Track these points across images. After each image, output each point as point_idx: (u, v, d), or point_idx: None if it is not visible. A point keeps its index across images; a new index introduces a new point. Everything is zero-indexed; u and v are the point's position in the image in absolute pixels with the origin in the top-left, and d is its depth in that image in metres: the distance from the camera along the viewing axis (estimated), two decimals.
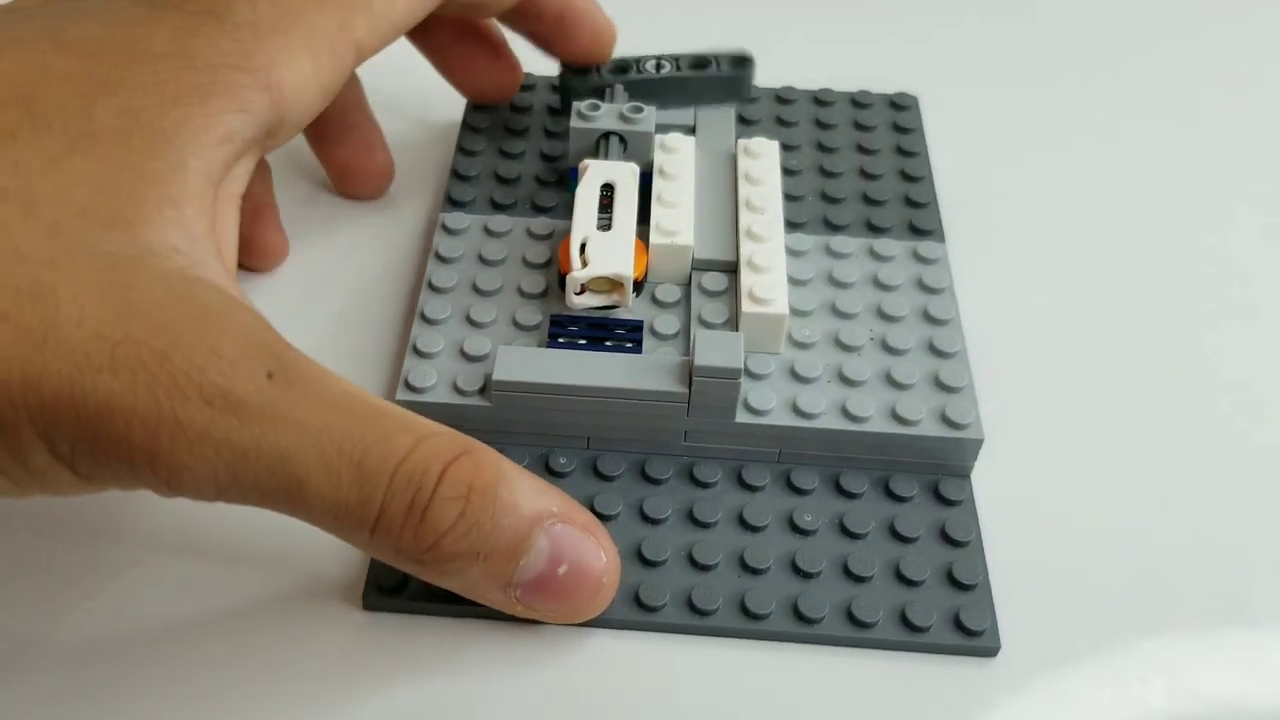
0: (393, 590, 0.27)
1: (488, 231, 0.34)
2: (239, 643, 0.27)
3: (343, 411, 0.23)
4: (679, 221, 0.32)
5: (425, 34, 0.37)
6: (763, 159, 0.35)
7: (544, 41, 0.36)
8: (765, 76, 0.40)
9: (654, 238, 0.32)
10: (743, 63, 0.37)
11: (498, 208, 0.35)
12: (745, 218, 0.33)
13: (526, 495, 0.24)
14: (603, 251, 0.30)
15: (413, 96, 0.41)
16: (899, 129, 0.39)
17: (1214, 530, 0.30)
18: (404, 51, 0.41)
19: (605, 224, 0.31)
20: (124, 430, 0.21)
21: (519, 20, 0.36)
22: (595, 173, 0.32)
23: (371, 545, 0.24)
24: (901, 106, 0.40)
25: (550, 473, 0.30)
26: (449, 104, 0.39)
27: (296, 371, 0.23)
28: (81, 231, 0.22)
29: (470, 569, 0.24)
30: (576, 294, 0.31)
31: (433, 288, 0.32)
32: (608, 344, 0.30)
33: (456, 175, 0.37)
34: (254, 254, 0.35)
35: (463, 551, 0.24)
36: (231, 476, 0.22)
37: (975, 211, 0.38)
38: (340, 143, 0.36)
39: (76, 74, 0.24)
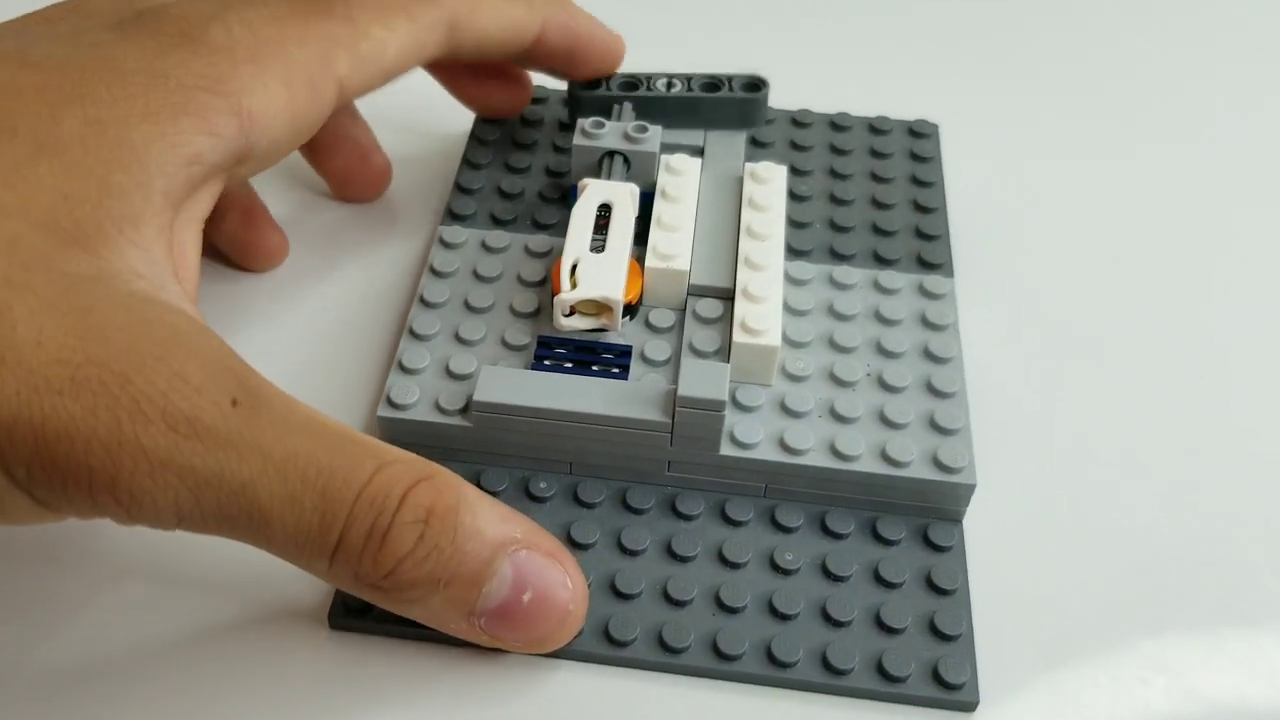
0: (359, 610, 0.27)
1: (485, 247, 0.34)
2: (204, 664, 0.26)
3: (308, 438, 0.23)
4: (676, 246, 0.32)
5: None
6: (769, 184, 0.34)
7: (558, 73, 0.36)
8: (782, 98, 0.40)
9: (649, 261, 0.31)
10: (755, 87, 0.37)
11: (498, 223, 0.35)
12: (745, 245, 0.32)
13: (489, 521, 0.24)
14: (593, 274, 0.30)
15: (421, 108, 0.40)
16: (916, 158, 0.38)
17: (1214, 531, 0.30)
18: None
19: (599, 245, 0.31)
20: (84, 455, 0.21)
21: (530, 61, 0.35)
22: (593, 192, 0.32)
23: (331, 573, 0.23)
24: (920, 134, 0.39)
25: (530, 497, 0.29)
26: (457, 116, 0.39)
27: (261, 398, 0.23)
28: (41, 248, 0.22)
29: (432, 596, 0.24)
30: (565, 316, 0.30)
31: (424, 303, 0.32)
32: (594, 368, 0.30)
33: (459, 188, 0.36)
34: (256, 256, 0.35)
35: (422, 578, 0.23)
36: (193, 503, 0.22)
37: (988, 246, 0.37)
38: (335, 152, 0.36)
39: (44, 87, 0.24)
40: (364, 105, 0.37)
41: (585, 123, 0.34)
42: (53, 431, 0.21)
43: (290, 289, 0.35)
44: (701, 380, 0.28)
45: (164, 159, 0.24)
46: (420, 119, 0.41)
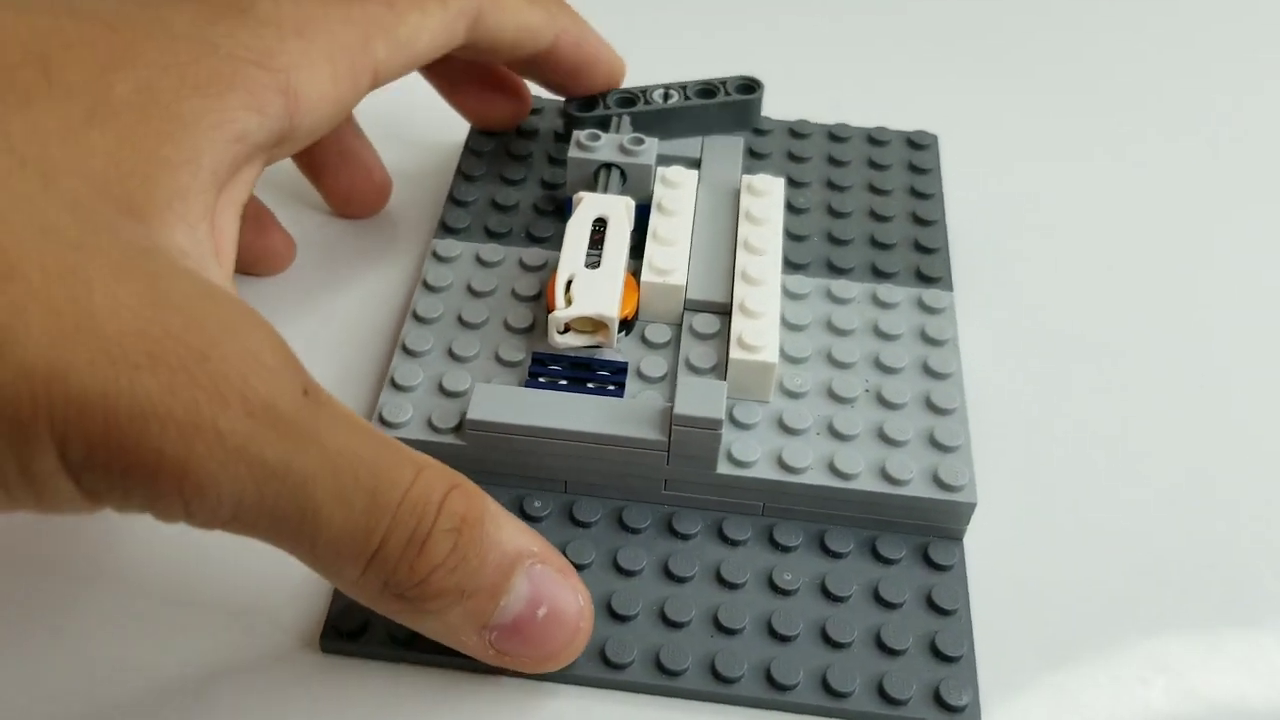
0: (351, 634, 0.26)
1: (479, 261, 0.33)
2: (195, 688, 0.26)
3: (358, 437, 0.22)
4: (673, 260, 0.31)
5: (435, 64, 0.36)
6: (766, 197, 0.34)
7: (557, 88, 0.35)
8: (781, 109, 0.39)
9: (646, 275, 0.31)
10: (751, 88, 0.36)
11: (492, 236, 0.35)
12: (742, 259, 0.32)
13: (510, 533, 0.23)
14: (588, 290, 0.29)
15: (414, 117, 0.40)
16: (915, 169, 0.38)
17: (1214, 532, 0.30)
18: None
19: (594, 261, 0.30)
20: (157, 438, 0.19)
21: (535, 70, 0.35)
22: (588, 206, 0.31)
23: (361, 581, 0.22)
24: (919, 145, 0.39)
25: (525, 517, 0.29)
26: (451, 127, 0.38)
27: (320, 391, 0.22)
28: (100, 213, 0.21)
29: (453, 608, 0.23)
30: (560, 333, 0.30)
31: (417, 318, 0.32)
32: (589, 386, 0.29)
33: (453, 201, 0.36)
34: (265, 260, 0.34)
35: (450, 588, 0.23)
36: (256, 498, 0.20)
37: (987, 257, 0.37)
38: (339, 170, 0.35)
39: (94, 41, 0.23)
40: (356, 113, 0.36)
41: (581, 135, 0.33)
42: (126, 410, 0.19)
43: (283, 303, 0.34)
44: (698, 398, 0.27)
45: (212, 135, 0.23)
46: (414, 129, 0.40)
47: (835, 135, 0.39)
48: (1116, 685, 0.27)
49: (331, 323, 0.34)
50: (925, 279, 0.34)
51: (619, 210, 0.31)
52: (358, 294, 0.35)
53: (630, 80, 0.36)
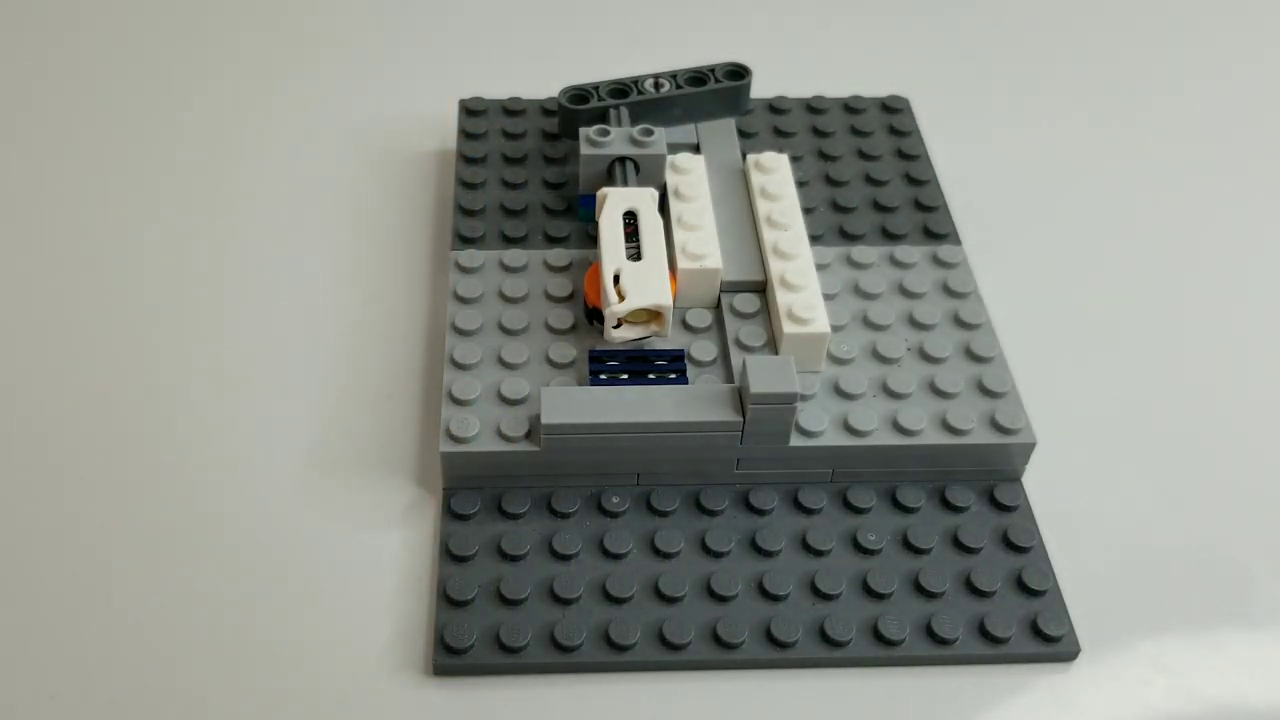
0: (461, 650, 0.26)
1: (504, 267, 0.33)
2: (301, 713, 0.25)
3: None
4: (704, 244, 0.32)
5: None
6: (776, 173, 0.34)
7: None
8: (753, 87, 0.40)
9: (682, 262, 0.31)
10: (739, 74, 0.37)
11: (510, 241, 0.34)
12: (769, 235, 0.32)
13: None
14: (639, 282, 0.30)
15: (393, 126, 0.39)
16: (896, 132, 0.39)
17: (1214, 532, 0.30)
18: (393, 67, 0.40)
19: (634, 253, 0.30)
20: None
21: None
22: (616, 201, 0.31)
23: None
24: (894, 109, 0.40)
25: (604, 513, 0.29)
26: (431, 132, 0.38)
27: None
28: None
29: None
30: (615, 328, 0.30)
31: (458, 330, 0.31)
32: (651, 376, 0.30)
33: (462, 210, 0.35)
34: None
35: None
36: None
37: (975, 211, 0.38)
38: None
39: None
40: (333, 127, 0.36)
41: (589, 131, 0.33)
42: None
43: (294, 314, 0.34)
44: (770, 375, 0.28)
45: None
46: (392, 138, 0.39)
47: (813, 107, 0.40)
48: (1116, 685, 0.27)
49: (355, 342, 0.33)
50: (934, 236, 0.35)
51: (646, 201, 0.32)
52: (371, 309, 0.34)
53: (612, 69, 0.36)
